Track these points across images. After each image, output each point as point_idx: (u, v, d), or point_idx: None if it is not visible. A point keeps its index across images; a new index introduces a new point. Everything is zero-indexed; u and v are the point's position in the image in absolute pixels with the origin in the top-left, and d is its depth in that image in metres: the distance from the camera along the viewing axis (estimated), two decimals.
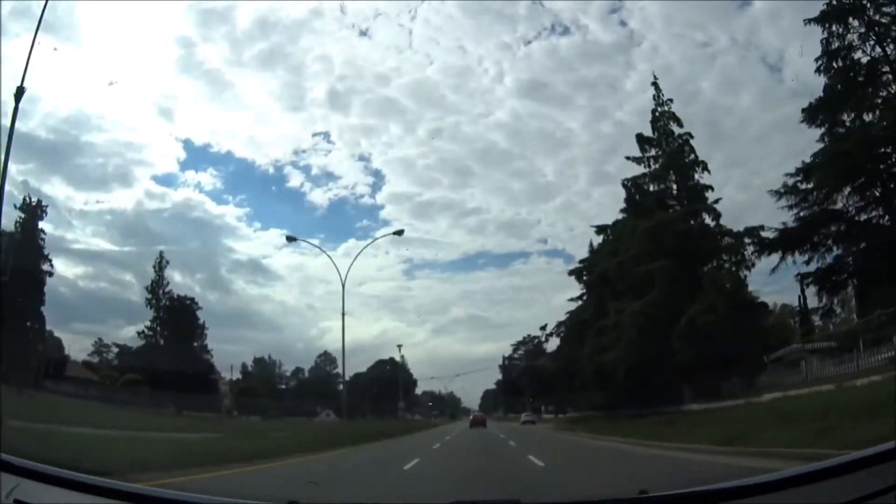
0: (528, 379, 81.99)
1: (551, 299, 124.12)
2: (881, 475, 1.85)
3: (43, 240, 48.80)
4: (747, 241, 35.40)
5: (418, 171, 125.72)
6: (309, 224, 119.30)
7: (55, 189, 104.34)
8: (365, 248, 53.48)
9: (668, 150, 39.70)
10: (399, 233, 42.58)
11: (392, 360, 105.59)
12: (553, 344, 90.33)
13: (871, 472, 1.90)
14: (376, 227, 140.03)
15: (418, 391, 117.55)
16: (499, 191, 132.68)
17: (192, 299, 65.26)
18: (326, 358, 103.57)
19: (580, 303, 52.09)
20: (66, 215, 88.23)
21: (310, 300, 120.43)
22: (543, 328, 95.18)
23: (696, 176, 39.25)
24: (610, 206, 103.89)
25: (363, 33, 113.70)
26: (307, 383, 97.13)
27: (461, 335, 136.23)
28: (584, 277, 49.48)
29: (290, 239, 48.06)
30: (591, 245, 52.33)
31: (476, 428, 46.21)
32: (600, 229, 46.87)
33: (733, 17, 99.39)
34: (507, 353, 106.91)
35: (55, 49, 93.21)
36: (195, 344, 63.26)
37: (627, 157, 41.65)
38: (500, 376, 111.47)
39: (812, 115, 30.46)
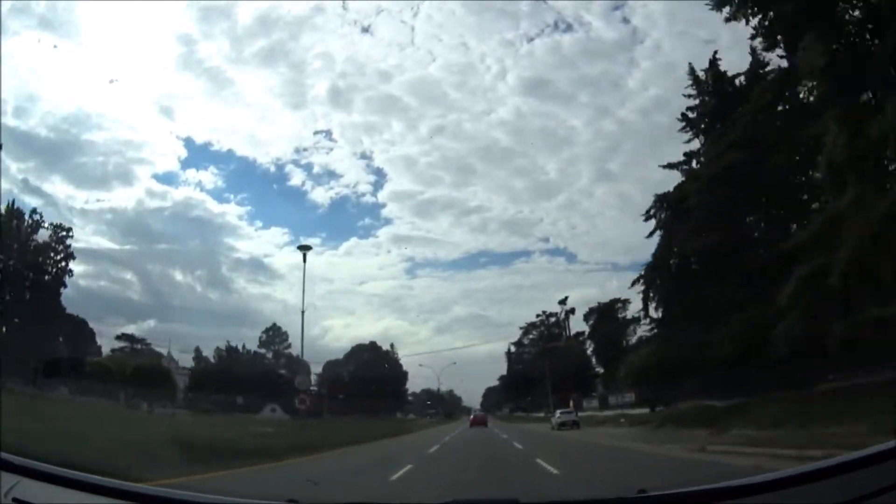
0: (551, 364, 67.38)
1: (553, 298, 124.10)
2: (881, 474, 1.85)
3: None
4: None
5: (420, 169, 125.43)
6: (310, 223, 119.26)
7: (55, 188, 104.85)
8: None
9: None
10: None
11: (373, 344, 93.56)
12: (577, 323, 73.37)
13: (871, 471, 1.90)
14: (378, 226, 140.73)
15: (417, 389, 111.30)
16: (501, 189, 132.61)
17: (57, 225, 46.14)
18: (275, 333, 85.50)
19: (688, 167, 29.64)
20: (66, 214, 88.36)
21: (311, 299, 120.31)
22: (563, 301, 78.13)
23: None
24: (612, 205, 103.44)
25: (365, 30, 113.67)
26: (257, 368, 78.05)
27: (463, 333, 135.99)
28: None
29: None
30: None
31: (476, 427, 46.26)
32: None
33: None
34: (514, 339, 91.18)
35: (55, 46, 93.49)
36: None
37: None
38: (503, 373, 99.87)
39: None
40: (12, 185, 73.97)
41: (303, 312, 35.76)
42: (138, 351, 69.37)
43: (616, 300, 68.92)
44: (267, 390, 66.93)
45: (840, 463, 2.00)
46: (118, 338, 67.80)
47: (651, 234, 32.00)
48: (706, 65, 30.87)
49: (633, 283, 35.37)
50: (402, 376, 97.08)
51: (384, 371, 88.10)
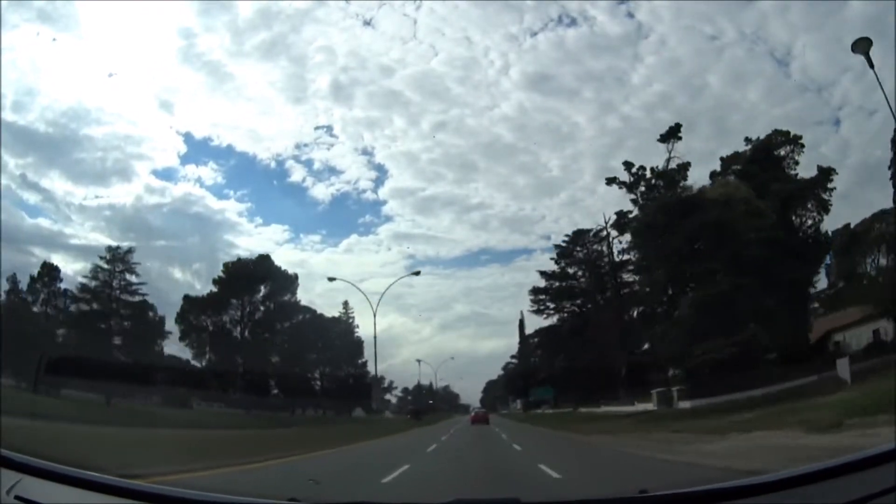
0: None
1: None
2: (881, 476, 1.85)
3: None
4: None
5: (422, 166, 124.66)
6: (311, 219, 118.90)
7: (54, 183, 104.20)
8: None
9: None
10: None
11: (265, 259, 57.88)
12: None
13: (870, 473, 1.90)
14: (379, 223, 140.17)
15: (406, 383, 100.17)
16: (503, 186, 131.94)
17: None
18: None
19: None
20: (64, 210, 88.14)
21: (310, 297, 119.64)
22: (672, 133, 38.07)
23: None
24: (615, 202, 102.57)
25: (367, 23, 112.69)
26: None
27: (466, 331, 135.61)
28: None
29: None
30: None
31: (478, 425, 45.85)
32: None
33: (742, 10, 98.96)
34: (535, 284, 56.04)
35: (54, 40, 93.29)
36: None
37: None
38: (508, 361, 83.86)
39: None
40: (10, 180, 73.93)
41: None
42: None
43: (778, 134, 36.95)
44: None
45: (841, 464, 2.00)
46: None
47: None
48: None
49: None
50: (355, 347, 64.60)
51: (302, 323, 54.90)
